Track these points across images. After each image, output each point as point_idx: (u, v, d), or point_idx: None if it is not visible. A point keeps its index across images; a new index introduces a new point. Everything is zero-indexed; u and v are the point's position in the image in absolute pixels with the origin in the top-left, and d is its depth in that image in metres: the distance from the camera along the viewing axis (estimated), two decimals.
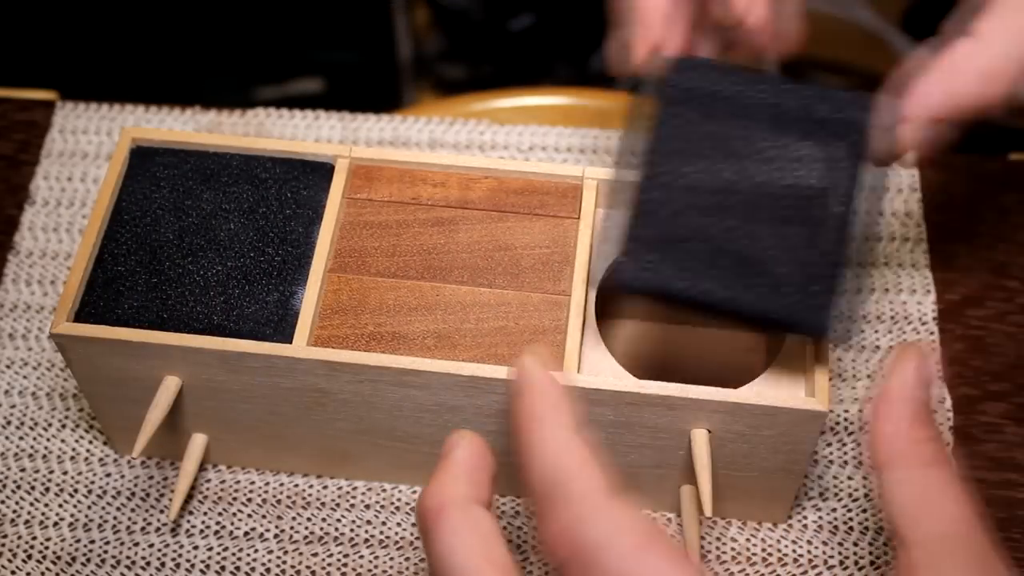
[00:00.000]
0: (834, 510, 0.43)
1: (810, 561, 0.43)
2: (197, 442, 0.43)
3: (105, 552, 0.44)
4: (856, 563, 0.42)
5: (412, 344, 0.39)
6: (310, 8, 1.00)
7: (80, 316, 0.40)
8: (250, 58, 1.03)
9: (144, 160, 0.43)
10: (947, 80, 0.38)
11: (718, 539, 0.43)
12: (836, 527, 0.43)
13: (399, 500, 0.44)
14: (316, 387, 0.40)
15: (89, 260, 0.41)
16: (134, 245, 0.41)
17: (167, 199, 0.42)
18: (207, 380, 0.40)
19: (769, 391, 0.38)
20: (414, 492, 0.45)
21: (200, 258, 0.41)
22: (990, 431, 0.45)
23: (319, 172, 0.42)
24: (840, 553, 0.43)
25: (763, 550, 0.43)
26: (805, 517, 0.43)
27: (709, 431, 0.38)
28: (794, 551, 0.43)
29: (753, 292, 0.36)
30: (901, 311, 0.48)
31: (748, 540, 0.43)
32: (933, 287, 0.48)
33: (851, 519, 0.43)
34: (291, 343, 0.39)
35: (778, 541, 0.43)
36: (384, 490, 0.45)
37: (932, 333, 0.47)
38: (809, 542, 0.43)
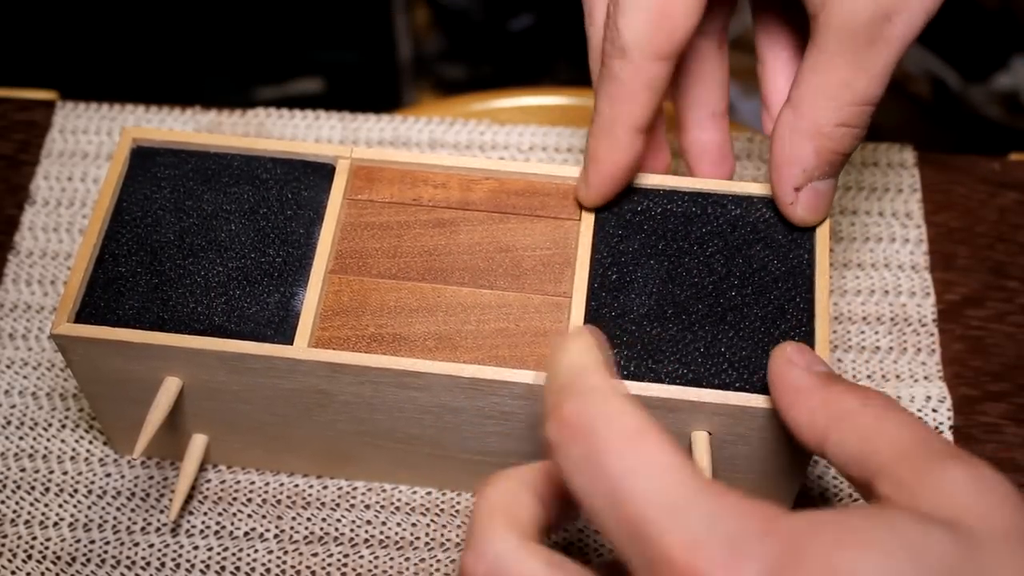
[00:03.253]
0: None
1: None
2: (197, 443, 0.43)
3: (105, 552, 0.44)
4: None
5: (413, 346, 0.39)
6: (310, 8, 1.01)
7: (80, 317, 0.40)
8: (250, 58, 1.03)
9: (145, 160, 0.43)
10: (793, 147, 0.38)
11: None
12: None
13: (399, 500, 0.44)
14: (317, 388, 0.40)
15: (89, 261, 0.41)
16: (135, 245, 0.41)
17: (168, 199, 0.42)
18: (207, 381, 0.40)
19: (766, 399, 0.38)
20: (414, 492, 0.45)
21: (201, 259, 0.41)
22: (990, 431, 0.45)
23: (320, 173, 0.42)
24: None
25: None
26: None
27: (710, 433, 0.38)
28: None
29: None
30: (901, 312, 0.48)
31: None
32: (933, 288, 0.48)
33: None
34: (292, 344, 0.39)
35: None
36: (384, 490, 0.45)
37: (932, 335, 0.47)
38: None
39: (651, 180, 0.41)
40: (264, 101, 0.72)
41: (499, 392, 0.39)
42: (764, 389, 0.37)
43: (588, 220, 0.41)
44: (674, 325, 0.39)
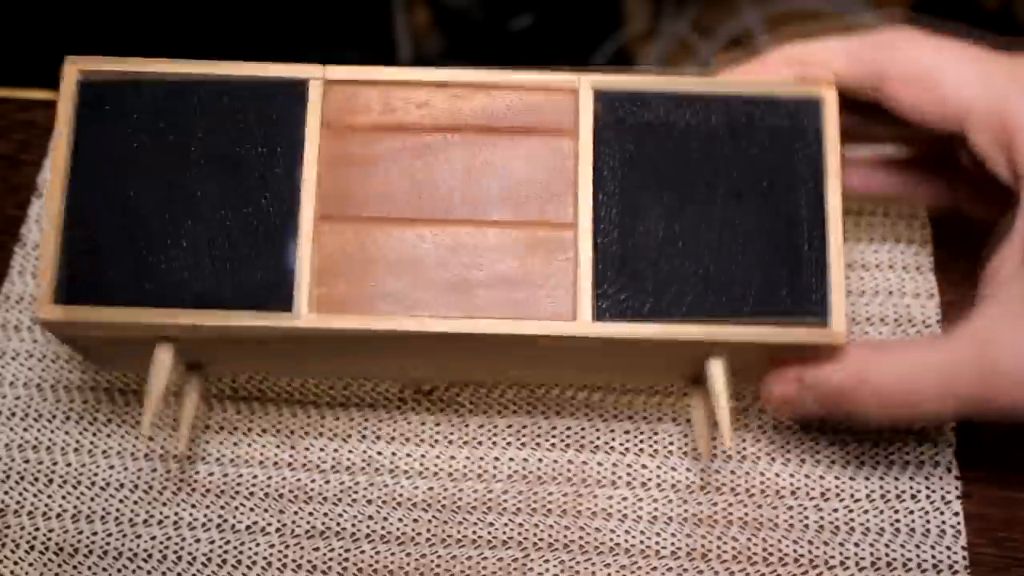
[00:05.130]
0: (835, 510, 0.43)
1: (811, 561, 0.43)
2: (163, 356, 0.40)
3: (107, 544, 0.44)
4: (857, 564, 0.42)
5: (424, 301, 0.38)
6: (310, 8, 1.01)
7: (63, 295, 0.38)
8: (250, 58, 1.04)
9: (96, 100, 0.39)
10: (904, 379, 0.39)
11: (719, 538, 0.43)
12: (837, 527, 0.43)
13: (401, 496, 0.45)
14: (325, 342, 0.39)
15: (59, 227, 0.38)
16: (103, 205, 0.38)
17: (129, 146, 0.39)
18: (204, 343, 0.39)
19: (788, 328, 0.38)
20: (415, 488, 0.45)
21: (178, 214, 0.38)
22: (989, 432, 0.45)
23: (292, 95, 0.39)
24: (841, 553, 0.43)
25: (763, 550, 0.43)
26: (806, 517, 0.43)
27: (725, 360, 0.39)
28: (794, 551, 0.43)
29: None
30: (905, 314, 0.48)
31: (749, 540, 0.43)
32: (937, 290, 0.48)
33: (852, 519, 0.43)
34: (291, 310, 0.38)
35: (779, 541, 0.43)
36: (386, 485, 0.45)
37: (937, 337, 0.47)
38: (810, 542, 0.43)
39: (651, 82, 0.39)
40: None
41: (521, 341, 0.38)
42: (777, 314, 0.38)
43: (587, 136, 0.39)
44: (685, 257, 0.38)
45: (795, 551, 0.43)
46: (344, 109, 0.39)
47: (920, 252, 0.49)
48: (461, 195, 0.39)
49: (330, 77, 0.39)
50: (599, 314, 0.38)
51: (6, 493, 0.45)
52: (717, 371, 0.39)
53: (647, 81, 0.39)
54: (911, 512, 0.43)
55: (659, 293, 0.38)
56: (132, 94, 0.39)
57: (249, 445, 0.46)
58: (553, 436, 0.46)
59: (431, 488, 0.45)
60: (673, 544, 0.43)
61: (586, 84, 0.39)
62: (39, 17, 0.92)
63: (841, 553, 0.43)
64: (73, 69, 0.39)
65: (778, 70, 0.40)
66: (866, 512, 0.43)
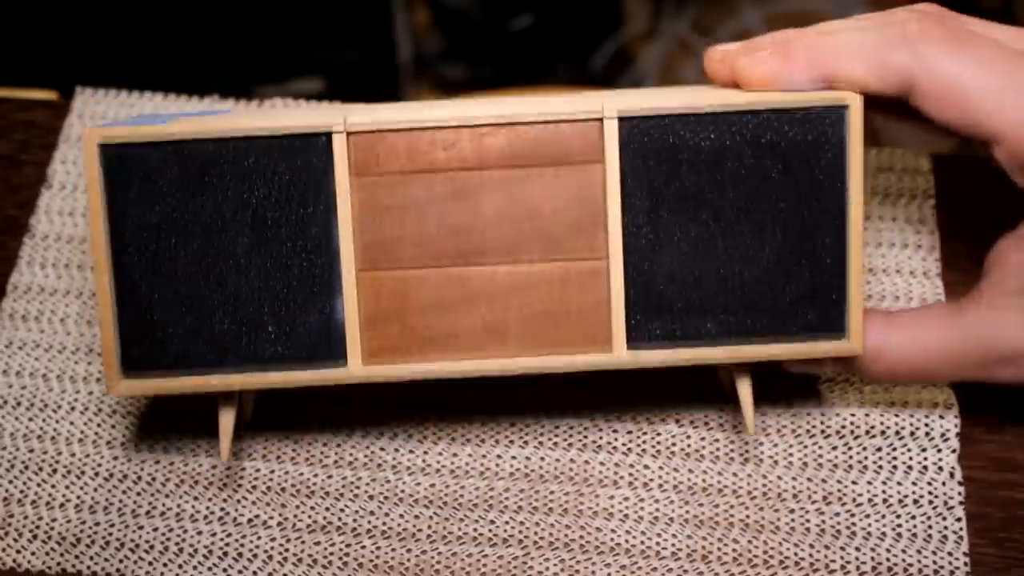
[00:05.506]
0: (837, 514, 0.43)
1: (811, 565, 0.42)
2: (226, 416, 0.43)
3: (110, 535, 0.44)
4: (858, 568, 0.42)
5: (464, 342, 0.40)
6: (310, 8, 1.01)
7: (127, 366, 0.40)
8: (250, 57, 1.04)
9: (121, 166, 0.39)
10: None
11: (720, 540, 0.43)
12: (838, 531, 0.43)
13: (403, 492, 0.45)
14: None
15: (112, 301, 0.39)
16: (150, 276, 0.39)
17: (162, 212, 0.39)
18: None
19: (810, 344, 0.40)
20: (418, 484, 0.45)
21: (222, 278, 0.39)
22: (990, 431, 0.44)
23: (315, 149, 0.39)
24: (842, 558, 0.42)
25: (764, 552, 0.43)
26: (808, 521, 0.43)
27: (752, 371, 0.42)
28: (795, 554, 0.43)
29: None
30: None
31: (750, 542, 0.43)
32: (944, 295, 0.48)
33: (854, 524, 0.43)
34: (346, 363, 0.40)
35: (780, 544, 0.43)
36: (388, 481, 0.45)
37: None
38: (811, 545, 0.43)
39: (675, 102, 0.39)
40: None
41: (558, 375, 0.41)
42: (800, 332, 0.40)
43: (613, 165, 0.39)
44: (713, 280, 0.40)
45: (796, 554, 0.43)
46: (371, 156, 0.39)
47: (928, 257, 0.49)
48: (495, 236, 0.40)
49: (352, 128, 0.39)
50: (632, 342, 0.40)
51: (11, 482, 0.45)
52: (744, 389, 0.42)
53: (670, 101, 0.39)
54: (913, 517, 0.43)
55: (688, 318, 0.40)
56: (156, 158, 0.39)
57: (252, 438, 0.46)
58: (555, 435, 0.46)
59: (433, 485, 0.45)
60: (674, 545, 0.43)
61: (610, 110, 0.39)
62: (39, 17, 0.93)
63: (842, 557, 0.43)
64: (93, 139, 0.39)
65: (801, 71, 0.39)
66: (868, 516, 0.43)
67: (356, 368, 0.40)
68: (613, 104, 0.39)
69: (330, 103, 0.50)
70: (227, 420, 0.42)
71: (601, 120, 0.39)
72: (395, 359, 0.40)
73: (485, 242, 0.40)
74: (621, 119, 0.39)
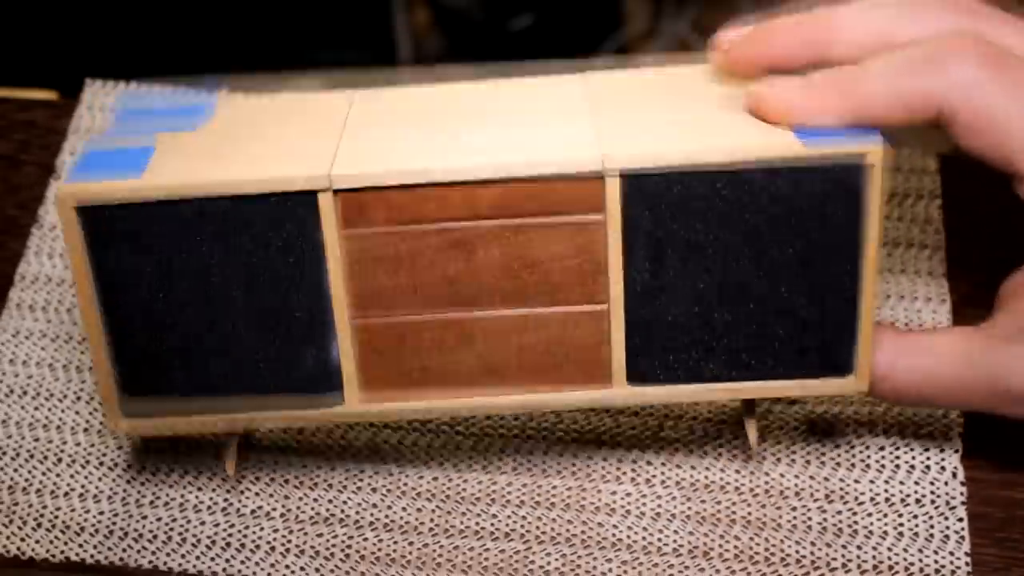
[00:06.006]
0: (839, 512, 0.43)
1: (812, 563, 0.42)
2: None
3: (113, 524, 0.44)
4: (859, 567, 0.42)
5: (461, 379, 0.40)
6: (310, 7, 1.01)
7: (127, 408, 0.40)
8: (251, 57, 1.04)
9: (101, 222, 0.37)
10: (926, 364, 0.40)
11: (721, 537, 0.43)
12: (840, 529, 0.43)
13: (406, 485, 0.45)
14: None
15: (103, 349, 0.39)
16: (141, 324, 0.39)
17: (148, 264, 0.38)
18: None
19: (814, 382, 0.40)
20: (420, 477, 0.45)
21: (218, 328, 0.39)
22: (990, 431, 0.44)
23: (302, 203, 0.37)
24: (843, 556, 0.43)
25: (765, 550, 0.43)
26: (809, 519, 0.43)
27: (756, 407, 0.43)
28: (796, 552, 0.43)
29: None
30: (916, 319, 0.48)
31: (751, 539, 0.43)
32: (948, 296, 0.48)
33: (855, 522, 0.43)
34: (343, 400, 0.40)
35: (781, 541, 0.43)
36: (391, 474, 0.45)
37: None
38: (813, 543, 0.43)
39: (682, 158, 0.36)
40: None
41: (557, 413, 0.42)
42: (806, 373, 0.39)
43: (615, 216, 0.37)
44: (717, 327, 0.39)
45: (797, 552, 0.43)
46: (359, 210, 0.38)
47: (933, 257, 0.49)
48: (492, 285, 0.38)
49: (337, 185, 0.37)
50: (632, 381, 0.40)
51: (16, 471, 0.46)
52: (750, 425, 0.42)
53: (677, 156, 0.37)
54: (915, 516, 0.43)
55: (690, 359, 0.39)
56: (136, 217, 0.37)
57: (256, 429, 0.46)
58: (559, 430, 0.46)
59: (436, 478, 0.45)
60: (675, 541, 0.43)
61: (612, 167, 0.37)
62: (39, 17, 0.93)
63: (843, 555, 0.43)
64: (68, 199, 0.37)
65: (826, 109, 0.37)
66: (870, 515, 0.43)
67: (353, 406, 0.40)
68: (615, 159, 0.37)
69: (332, 91, 0.48)
70: (232, 445, 0.43)
71: (602, 171, 0.37)
72: (392, 396, 0.40)
73: (481, 291, 0.38)
74: (624, 176, 0.37)
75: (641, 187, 0.37)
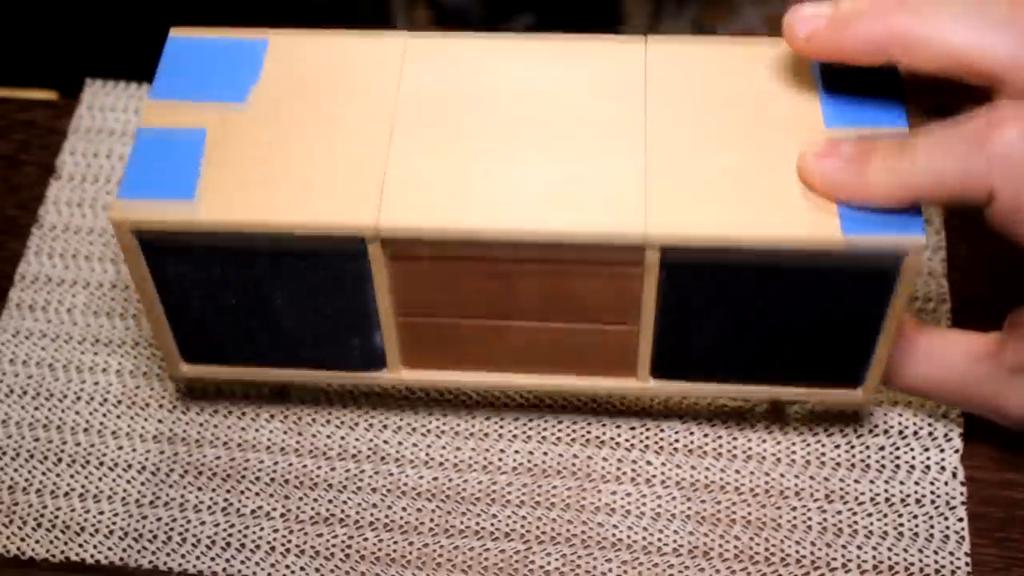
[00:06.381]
0: (839, 512, 0.43)
1: (813, 563, 0.42)
2: None
3: (113, 524, 0.44)
4: (859, 567, 0.42)
5: (497, 364, 0.42)
6: (310, 7, 1.01)
7: (186, 357, 0.43)
8: None
9: (156, 244, 0.39)
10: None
11: (721, 537, 0.43)
12: (840, 530, 0.43)
13: (406, 485, 0.45)
14: None
15: (163, 324, 0.42)
16: (197, 316, 0.41)
17: (203, 276, 0.40)
18: None
19: (821, 390, 0.42)
20: (420, 477, 0.45)
21: (267, 319, 0.41)
22: (990, 431, 0.44)
23: (351, 242, 0.38)
24: (843, 556, 0.43)
25: (766, 550, 0.43)
26: (810, 519, 0.43)
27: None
28: (796, 552, 0.43)
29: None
30: (917, 317, 0.48)
31: (751, 539, 0.43)
32: (949, 296, 0.48)
33: (855, 522, 0.43)
34: (387, 371, 0.42)
35: (781, 541, 0.43)
36: (391, 474, 0.45)
37: None
38: (813, 543, 0.43)
39: (716, 233, 0.37)
40: None
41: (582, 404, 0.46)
42: (819, 385, 0.42)
43: (652, 273, 0.38)
44: (741, 353, 0.40)
45: (797, 552, 0.43)
46: (405, 249, 0.38)
47: (933, 257, 0.49)
48: (529, 307, 0.40)
49: (384, 235, 0.38)
50: (656, 377, 0.42)
51: (16, 471, 0.46)
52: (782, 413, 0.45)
53: (718, 234, 0.37)
54: (915, 516, 0.43)
55: (712, 375, 0.42)
56: (190, 239, 0.38)
57: (257, 430, 0.46)
58: (559, 430, 0.46)
59: (436, 478, 0.45)
60: (675, 541, 0.43)
61: (653, 242, 0.37)
62: (39, 17, 0.93)
63: (843, 556, 0.43)
64: (124, 224, 0.38)
65: (875, 194, 0.36)
66: (870, 515, 0.43)
67: (395, 371, 0.42)
68: (657, 236, 0.37)
69: (388, 33, 0.44)
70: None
71: (644, 241, 0.37)
72: (432, 366, 0.42)
73: (518, 307, 0.40)
74: (664, 249, 0.37)
75: (680, 255, 0.37)
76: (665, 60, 0.41)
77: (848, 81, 0.39)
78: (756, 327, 0.39)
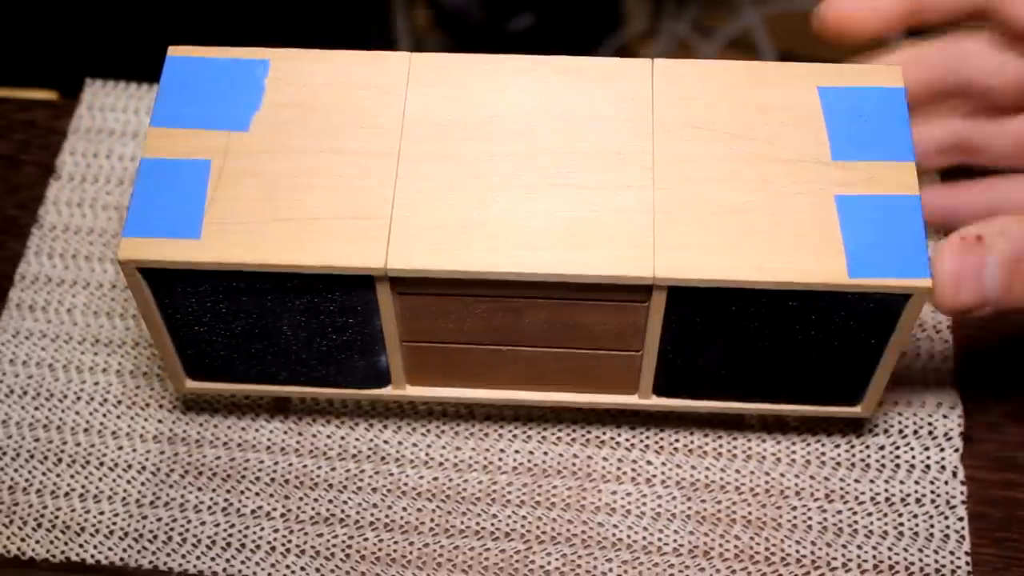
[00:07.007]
0: (839, 512, 0.43)
1: (813, 562, 0.43)
2: None
3: (114, 524, 0.44)
4: (859, 566, 0.42)
5: (502, 384, 0.42)
6: (310, 7, 1.01)
7: (190, 374, 0.43)
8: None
9: (161, 278, 0.39)
10: None
11: (721, 536, 0.43)
12: (840, 529, 0.43)
13: (406, 485, 0.45)
14: None
15: (167, 344, 0.41)
16: (203, 341, 0.41)
17: (207, 308, 0.39)
18: None
19: (822, 407, 0.42)
20: (420, 477, 0.45)
21: (271, 346, 0.41)
22: (990, 431, 0.44)
23: (358, 283, 0.38)
24: (843, 555, 0.43)
25: (766, 549, 0.43)
26: (810, 518, 0.43)
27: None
28: (797, 551, 0.43)
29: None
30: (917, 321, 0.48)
31: (752, 539, 0.43)
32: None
33: (856, 522, 0.43)
34: (390, 388, 0.43)
35: (782, 541, 0.43)
36: (391, 474, 0.45)
37: (947, 341, 0.47)
38: (813, 543, 0.43)
39: (723, 275, 0.36)
40: None
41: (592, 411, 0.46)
42: (819, 404, 0.43)
43: (658, 309, 0.38)
44: (743, 376, 0.41)
45: (797, 551, 0.43)
46: (413, 286, 0.38)
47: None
48: (535, 336, 0.40)
49: (393, 275, 0.37)
50: (658, 395, 0.42)
51: (16, 471, 0.46)
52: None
53: (725, 276, 0.36)
54: (915, 516, 0.43)
55: (714, 394, 0.42)
56: (196, 275, 0.38)
57: (257, 431, 0.46)
58: (559, 430, 0.46)
59: (436, 478, 0.45)
60: (675, 541, 0.43)
61: (661, 283, 0.37)
62: (39, 17, 0.93)
63: (844, 555, 0.43)
64: (130, 263, 0.37)
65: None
66: (870, 515, 0.43)
67: (400, 387, 0.42)
68: (664, 278, 0.37)
69: (391, 54, 0.43)
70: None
71: (652, 282, 0.37)
72: (436, 383, 0.43)
73: (525, 335, 0.40)
74: (671, 290, 0.37)
75: (687, 294, 0.37)
76: (672, 86, 0.40)
77: (853, 111, 0.39)
78: (759, 353, 0.40)
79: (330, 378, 0.42)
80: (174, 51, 0.41)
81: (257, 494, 0.45)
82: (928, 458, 0.44)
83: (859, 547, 0.43)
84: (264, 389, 0.43)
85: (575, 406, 0.44)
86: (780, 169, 0.38)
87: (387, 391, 0.43)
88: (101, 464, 0.46)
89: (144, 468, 0.46)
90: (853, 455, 0.44)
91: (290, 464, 0.45)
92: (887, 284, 0.36)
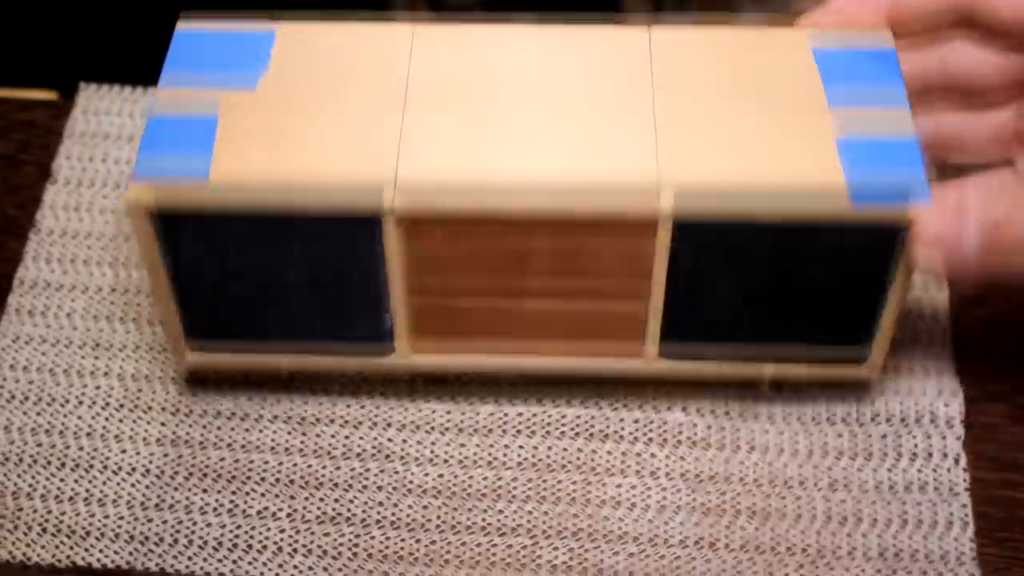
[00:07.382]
0: (843, 501, 0.44)
1: (818, 552, 0.43)
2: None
3: (119, 528, 0.44)
4: (864, 554, 0.43)
5: (506, 346, 0.43)
6: (309, 7, 1.01)
7: (192, 339, 0.43)
8: None
9: (167, 222, 0.39)
10: None
11: (727, 527, 0.43)
12: (845, 518, 0.43)
13: (411, 483, 0.45)
14: None
15: (171, 304, 0.42)
16: (207, 293, 0.41)
17: (212, 256, 0.40)
18: None
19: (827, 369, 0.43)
20: (426, 475, 0.45)
21: (279, 299, 0.41)
22: (990, 431, 0.45)
23: (365, 219, 0.39)
24: (848, 544, 0.43)
25: (771, 539, 0.43)
26: (814, 508, 0.44)
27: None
28: (802, 541, 0.43)
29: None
30: (915, 308, 0.48)
31: (757, 529, 0.43)
32: (949, 293, 0.48)
33: (860, 510, 0.43)
34: (395, 350, 0.43)
35: (787, 531, 0.43)
36: (396, 472, 0.45)
37: (944, 331, 0.48)
38: (818, 532, 0.43)
39: (726, 208, 0.38)
40: None
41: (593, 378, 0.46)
42: (823, 350, 0.43)
43: (663, 246, 0.39)
44: (749, 315, 0.41)
45: (803, 541, 0.43)
46: (420, 226, 0.39)
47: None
48: (541, 284, 0.41)
49: (399, 214, 0.38)
50: (664, 356, 0.43)
51: (19, 476, 0.45)
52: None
53: (729, 208, 0.38)
54: (919, 503, 0.43)
55: (720, 339, 0.42)
56: (204, 218, 0.39)
57: (260, 431, 0.46)
58: (563, 424, 0.46)
59: (441, 475, 0.45)
60: (681, 533, 0.43)
61: (665, 215, 0.38)
62: (39, 17, 0.93)
63: (849, 543, 0.43)
64: (137, 206, 0.38)
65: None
66: (874, 503, 0.44)
67: (404, 354, 0.42)
68: (669, 209, 0.38)
69: (398, 22, 0.45)
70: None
71: (656, 221, 0.38)
72: (441, 347, 0.42)
73: (531, 287, 0.41)
74: (676, 222, 0.38)
75: (691, 227, 0.39)
76: (669, 47, 0.42)
77: (847, 64, 0.41)
78: (764, 289, 0.40)
79: (333, 334, 0.42)
80: (183, 23, 0.43)
81: (262, 495, 0.45)
82: (931, 445, 0.44)
83: (864, 535, 0.43)
84: (264, 359, 0.43)
85: (580, 374, 0.44)
86: (780, 118, 0.40)
87: (391, 360, 0.43)
88: (105, 468, 0.46)
89: (148, 471, 0.45)
90: (855, 444, 0.45)
91: (295, 464, 0.45)
92: (889, 210, 0.38)
